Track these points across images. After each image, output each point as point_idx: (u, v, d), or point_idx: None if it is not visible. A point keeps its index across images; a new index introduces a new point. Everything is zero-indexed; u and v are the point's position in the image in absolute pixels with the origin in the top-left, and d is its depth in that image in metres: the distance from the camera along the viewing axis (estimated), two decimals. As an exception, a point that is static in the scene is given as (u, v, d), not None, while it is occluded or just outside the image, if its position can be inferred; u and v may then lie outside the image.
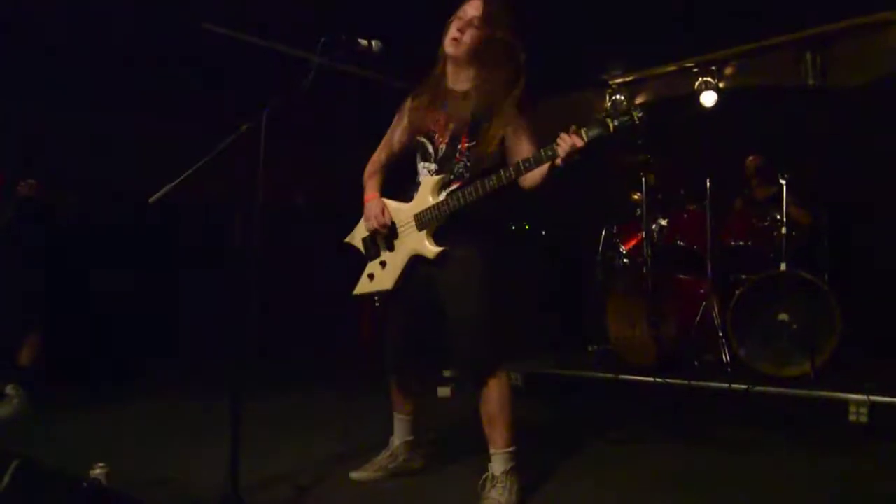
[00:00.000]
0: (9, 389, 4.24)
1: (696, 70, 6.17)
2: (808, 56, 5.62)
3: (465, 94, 2.74)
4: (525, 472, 2.76)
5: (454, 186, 2.69)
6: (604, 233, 5.70)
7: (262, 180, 2.47)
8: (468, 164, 2.69)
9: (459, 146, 2.70)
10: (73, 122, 5.22)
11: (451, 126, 2.73)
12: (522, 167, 2.49)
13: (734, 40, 5.88)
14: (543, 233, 6.35)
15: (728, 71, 6.18)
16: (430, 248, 2.69)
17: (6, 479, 2.28)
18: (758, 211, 4.87)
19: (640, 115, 2.23)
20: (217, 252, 4.81)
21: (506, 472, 2.66)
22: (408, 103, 2.91)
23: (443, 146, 2.76)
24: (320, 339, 5.75)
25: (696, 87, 6.13)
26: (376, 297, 2.87)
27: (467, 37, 2.66)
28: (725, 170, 5.29)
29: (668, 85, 6.55)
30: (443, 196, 2.68)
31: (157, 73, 5.47)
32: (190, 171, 2.56)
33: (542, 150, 2.46)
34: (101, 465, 2.59)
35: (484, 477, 2.69)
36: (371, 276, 2.90)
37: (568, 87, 6.82)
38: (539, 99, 6.63)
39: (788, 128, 5.57)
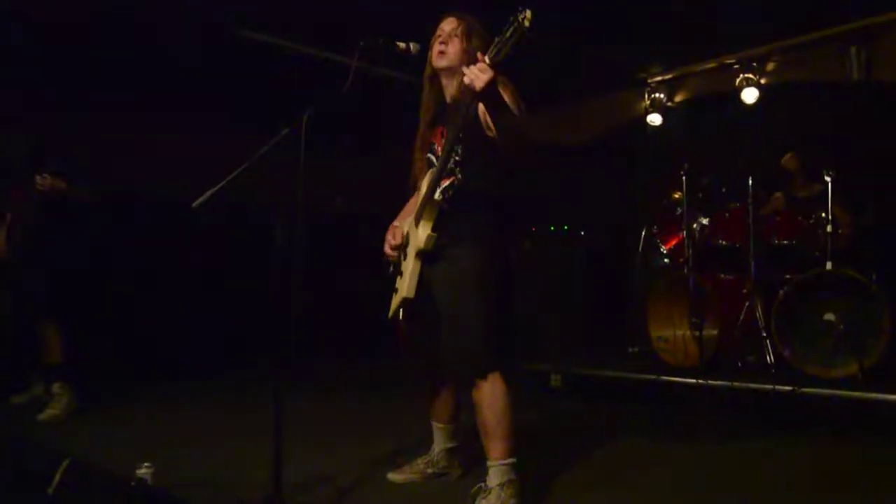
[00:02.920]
0: (55, 388, 4.31)
1: (736, 66, 6.08)
2: (853, 50, 5.49)
3: (454, 99, 2.78)
4: (553, 476, 2.71)
5: (445, 183, 2.69)
6: (643, 233, 5.65)
7: (302, 184, 2.49)
8: (458, 157, 2.67)
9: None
10: (104, 125, 5.31)
11: (448, 133, 2.75)
12: (462, 113, 2.45)
13: (776, 35, 5.78)
14: (582, 233, 6.32)
15: (770, 67, 6.08)
16: (422, 235, 2.64)
17: (57, 477, 2.34)
18: (802, 209, 4.77)
19: (523, 16, 2.10)
20: (258, 254, 4.87)
21: (501, 485, 2.53)
22: (417, 146, 2.95)
23: (441, 152, 2.77)
24: (364, 343, 5.79)
25: (737, 83, 6.04)
26: (402, 310, 2.81)
27: (451, 48, 2.73)
28: (768, 168, 5.20)
29: (709, 82, 6.47)
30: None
31: (196, 78, 5.56)
32: (231, 176, 2.59)
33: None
34: (146, 464, 2.63)
35: (476, 486, 2.60)
36: (395, 292, 2.87)
37: (607, 87, 6.78)
38: (579, 100, 6.69)
39: (832, 124, 5.45)
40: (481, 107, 2.45)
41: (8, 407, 4.55)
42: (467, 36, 2.72)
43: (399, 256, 2.90)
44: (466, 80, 2.27)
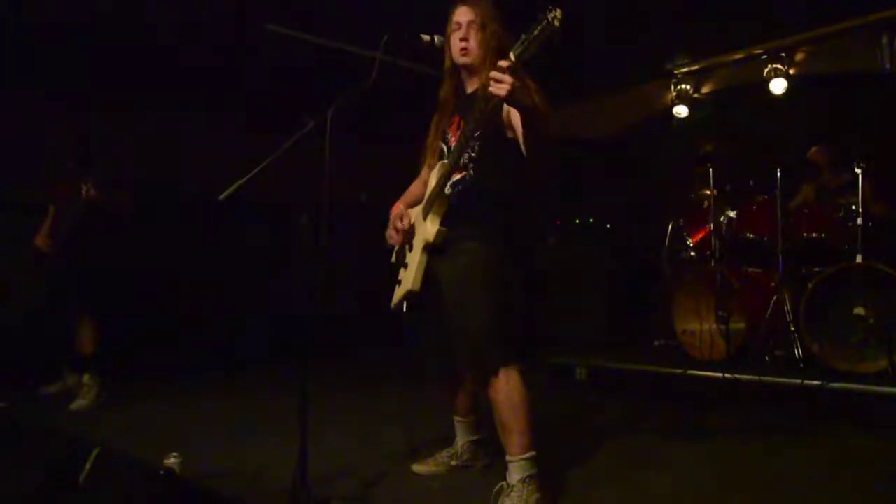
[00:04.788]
0: (85, 380, 4.42)
1: (764, 57, 5.99)
2: (885, 39, 5.39)
3: (475, 93, 2.74)
4: (577, 469, 2.68)
5: (456, 177, 2.66)
6: (670, 226, 5.60)
7: (328, 178, 2.50)
8: (473, 154, 2.63)
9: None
10: (131, 122, 5.38)
11: (462, 123, 2.72)
12: (481, 108, 2.39)
13: (804, 25, 5.69)
14: (608, 226, 6.28)
15: (798, 57, 5.98)
16: (431, 229, 2.62)
17: (87, 467, 2.38)
18: (831, 201, 4.70)
19: (553, 15, 2.05)
20: (285, 249, 4.91)
21: (522, 481, 2.50)
22: (431, 133, 2.91)
23: (454, 142, 2.75)
24: (389, 336, 5.81)
25: (765, 74, 5.96)
26: (405, 303, 2.77)
27: (473, 41, 2.68)
28: (796, 160, 5.13)
29: (736, 73, 6.39)
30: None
31: (219, 73, 5.60)
32: (257, 169, 2.60)
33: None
34: (174, 455, 2.67)
35: (498, 486, 2.56)
36: (399, 283, 2.84)
37: (632, 79, 6.72)
38: (604, 92, 6.64)
39: (863, 115, 5.36)
40: (505, 106, 2.42)
41: (39, 397, 4.63)
42: (482, 26, 2.67)
43: (404, 248, 2.88)
44: (492, 88, 2.20)
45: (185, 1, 4.82)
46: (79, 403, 4.32)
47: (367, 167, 6.37)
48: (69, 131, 4.66)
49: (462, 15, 2.71)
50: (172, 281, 5.93)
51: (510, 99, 2.21)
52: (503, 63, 2.17)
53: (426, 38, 2.71)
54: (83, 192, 4.36)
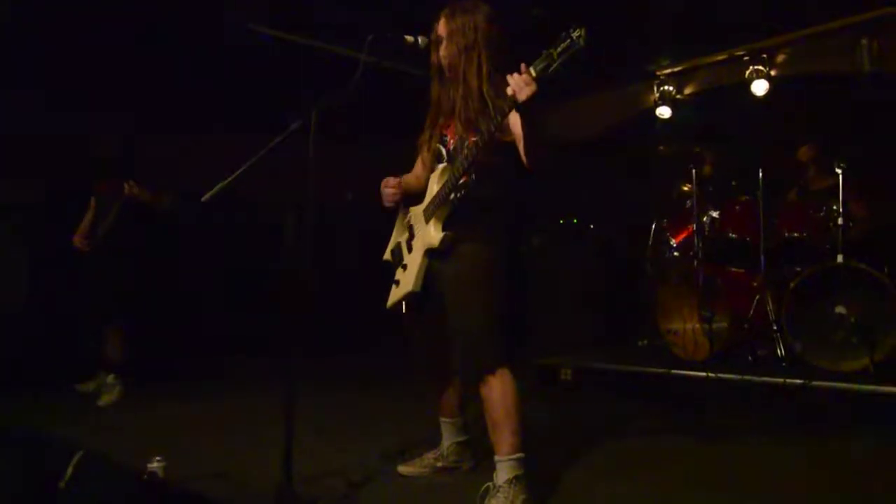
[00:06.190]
0: (110, 379, 4.57)
1: (746, 58, 6.04)
2: (864, 41, 5.45)
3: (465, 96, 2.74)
4: (562, 471, 2.67)
5: (461, 181, 2.67)
6: (653, 226, 5.62)
7: (313, 178, 2.49)
8: (473, 158, 2.64)
9: (466, 142, 2.67)
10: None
11: (460, 127, 2.74)
12: (493, 118, 2.41)
13: (786, 27, 5.74)
14: (591, 226, 6.30)
15: (779, 58, 6.04)
16: (435, 235, 2.65)
17: (70, 470, 2.35)
18: (813, 202, 4.74)
19: (578, 34, 2.10)
20: (271, 251, 4.90)
21: (509, 482, 2.50)
22: (427, 129, 2.92)
23: (452, 145, 2.78)
24: (374, 337, 5.80)
25: (746, 75, 6.01)
26: (404, 303, 2.80)
27: (442, 56, 2.72)
28: (778, 160, 5.17)
29: (718, 74, 6.43)
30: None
31: (210, 75, 5.57)
32: (241, 170, 2.60)
33: (501, 101, 2.37)
34: (158, 458, 2.65)
35: (484, 487, 2.56)
36: (397, 283, 2.87)
37: (614, 81, 6.75)
38: (587, 94, 6.66)
39: (844, 116, 5.41)
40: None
41: (24, 400, 4.59)
42: (453, 38, 2.68)
43: (399, 246, 2.90)
44: (509, 90, 2.24)
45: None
46: (105, 400, 4.49)
47: (352, 166, 6.36)
48: (111, 134, 4.70)
49: (439, 27, 2.73)
50: (159, 283, 5.89)
51: (528, 104, 2.24)
52: (532, 71, 2.21)
53: (410, 39, 2.72)
54: (126, 189, 4.38)
